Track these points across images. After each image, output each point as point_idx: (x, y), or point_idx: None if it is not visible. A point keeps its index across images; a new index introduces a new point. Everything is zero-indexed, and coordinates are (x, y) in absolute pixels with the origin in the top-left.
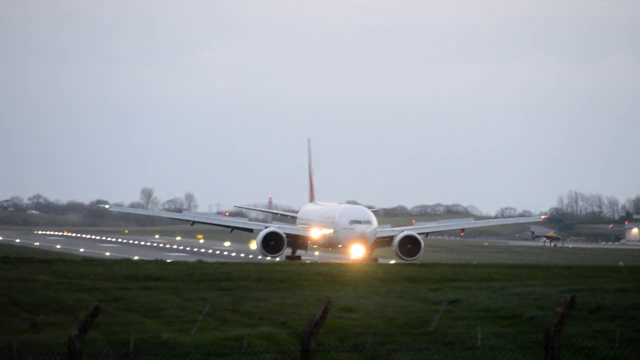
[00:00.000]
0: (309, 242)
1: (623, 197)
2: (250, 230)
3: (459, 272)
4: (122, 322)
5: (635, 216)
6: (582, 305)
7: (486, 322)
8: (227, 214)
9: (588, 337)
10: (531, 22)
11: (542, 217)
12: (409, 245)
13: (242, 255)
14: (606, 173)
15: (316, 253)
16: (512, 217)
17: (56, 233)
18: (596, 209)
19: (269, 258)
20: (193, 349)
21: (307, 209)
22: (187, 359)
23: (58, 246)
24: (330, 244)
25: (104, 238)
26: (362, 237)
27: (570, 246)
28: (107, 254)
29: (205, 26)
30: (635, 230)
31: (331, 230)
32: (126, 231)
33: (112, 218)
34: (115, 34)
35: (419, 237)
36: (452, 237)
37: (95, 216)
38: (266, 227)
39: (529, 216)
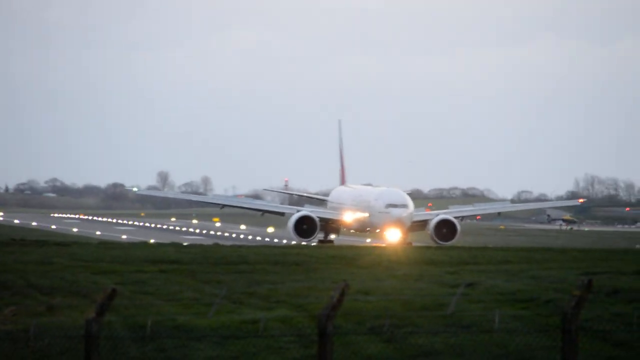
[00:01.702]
0: (342, 226)
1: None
2: (282, 214)
3: (476, 255)
4: (139, 305)
5: None
6: (599, 288)
7: (503, 305)
8: (243, 196)
9: (605, 320)
10: (544, 4)
11: (580, 200)
12: (445, 229)
13: (259, 238)
14: (622, 156)
15: (359, 239)
16: (545, 200)
17: (72, 216)
18: (612, 192)
19: (301, 242)
20: (209, 332)
21: (338, 192)
22: (204, 342)
23: (74, 229)
24: (364, 228)
25: (120, 221)
26: (398, 221)
27: (587, 229)
28: (124, 237)
29: (223, 10)
30: None
31: (366, 214)
32: (142, 214)
33: (128, 201)
34: (132, 17)
35: (455, 221)
36: (468, 220)
37: (111, 199)
38: (298, 211)
39: (571, 199)
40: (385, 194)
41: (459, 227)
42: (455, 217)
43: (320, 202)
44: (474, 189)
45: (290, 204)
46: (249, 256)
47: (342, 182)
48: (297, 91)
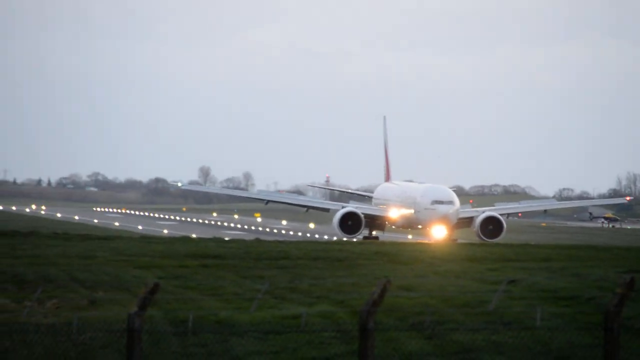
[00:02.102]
0: (387, 222)
1: None
2: (327, 210)
3: (517, 252)
4: (181, 299)
5: None
6: None
7: (545, 303)
8: (284, 191)
9: None
10: (582, 4)
11: (628, 198)
12: (491, 226)
13: (300, 234)
14: None
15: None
16: (590, 198)
17: (114, 210)
18: None
19: (345, 238)
20: (251, 327)
21: (383, 189)
22: (246, 337)
23: (116, 223)
24: (409, 225)
25: (162, 216)
26: (444, 218)
27: (629, 227)
28: (166, 231)
29: (263, 5)
30: None
31: (411, 211)
32: (184, 209)
33: (169, 196)
34: (170, 13)
35: (501, 218)
36: (510, 218)
37: (153, 194)
38: (343, 207)
39: (613, 197)
40: (431, 190)
41: (505, 224)
42: (501, 214)
43: (362, 198)
44: (515, 186)
45: (331, 200)
46: (291, 251)
47: (387, 178)
48: (337, 87)
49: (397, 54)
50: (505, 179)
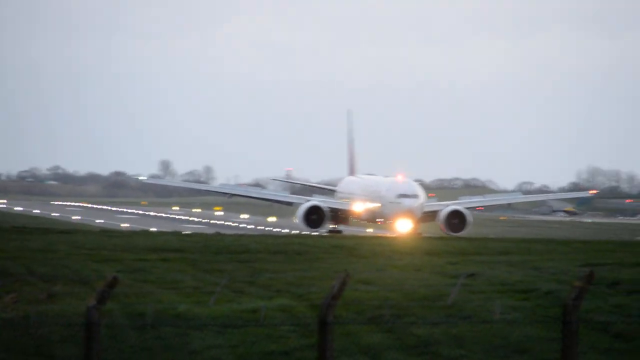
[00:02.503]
0: (351, 216)
1: None
2: (290, 204)
3: (477, 245)
4: (140, 293)
5: None
6: (599, 279)
7: (504, 296)
8: (245, 185)
9: (605, 311)
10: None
11: (591, 191)
12: (456, 220)
13: (260, 227)
14: (624, 148)
15: (369, 230)
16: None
17: (74, 204)
18: (614, 184)
19: (310, 232)
20: (210, 321)
21: (348, 182)
22: (204, 330)
23: (76, 217)
24: (374, 219)
25: (122, 209)
26: (410, 212)
27: (588, 221)
28: (125, 225)
29: (230, 1)
30: None
31: (376, 204)
32: (144, 203)
33: (130, 189)
34: (126, 4)
35: (465, 211)
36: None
37: (113, 187)
38: (307, 201)
39: (574, 191)
40: (396, 184)
41: (469, 217)
42: (466, 208)
43: (324, 191)
44: (475, 179)
45: (292, 194)
46: (251, 245)
47: (352, 172)
48: (298, 80)
49: (359, 49)
50: (465, 173)
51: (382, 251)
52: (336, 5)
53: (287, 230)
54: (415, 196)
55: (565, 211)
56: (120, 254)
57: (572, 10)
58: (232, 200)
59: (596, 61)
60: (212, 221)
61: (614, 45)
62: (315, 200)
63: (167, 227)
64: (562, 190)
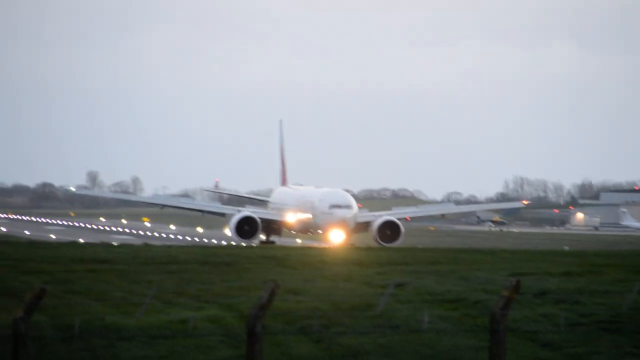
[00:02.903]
0: (284, 227)
1: (568, 182)
2: (223, 215)
3: (405, 255)
4: (68, 304)
5: (580, 201)
6: (527, 289)
7: (432, 306)
8: (175, 195)
9: (533, 320)
10: (472, 10)
11: (524, 202)
12: (389, 230)
13: (189, 238)
14: (551, 158)
15: (298, 240)
16: (481, 202)
17: (1, 215)
18: (541, 194)
19: (242, 243)
20: (138, 332)
21: (280, 193)
22: (132, 341)
23: (3, 229)
24: (307, 229)
25: (49, 221)
26: (342, 222)
27: (516, 230)
28: (53, 236)
29: (153, 10)
30: (579, 215)
31: (309, 215)
32: (72, 214)
33: (57, 200)
34: (61, 17)
35: (398, 222)
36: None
37: (40, 199)
38: (239, 212)
39: (502, 201)
40: (329, 195)
41: (402, 228)
42: (399, 219)
43: (252, 201)
44: (404, 190)
45: (222, 205)
46: (179, 256)
47: (283, 182)
48: (226, 90)
49: (293, 58)
50: (394, 183)
51: (311, 262)
52: (254, 12)
53: (215, 241)
54: (348, 207)
55: (492, 221)
56: (47, 265)
57: (493, 22)
58: (160, 211)
59: (524, 71)
60: (140, 232)
61: (536, 57)
62: (248, 211)
63: (95, 238)
64: (490, 200)
